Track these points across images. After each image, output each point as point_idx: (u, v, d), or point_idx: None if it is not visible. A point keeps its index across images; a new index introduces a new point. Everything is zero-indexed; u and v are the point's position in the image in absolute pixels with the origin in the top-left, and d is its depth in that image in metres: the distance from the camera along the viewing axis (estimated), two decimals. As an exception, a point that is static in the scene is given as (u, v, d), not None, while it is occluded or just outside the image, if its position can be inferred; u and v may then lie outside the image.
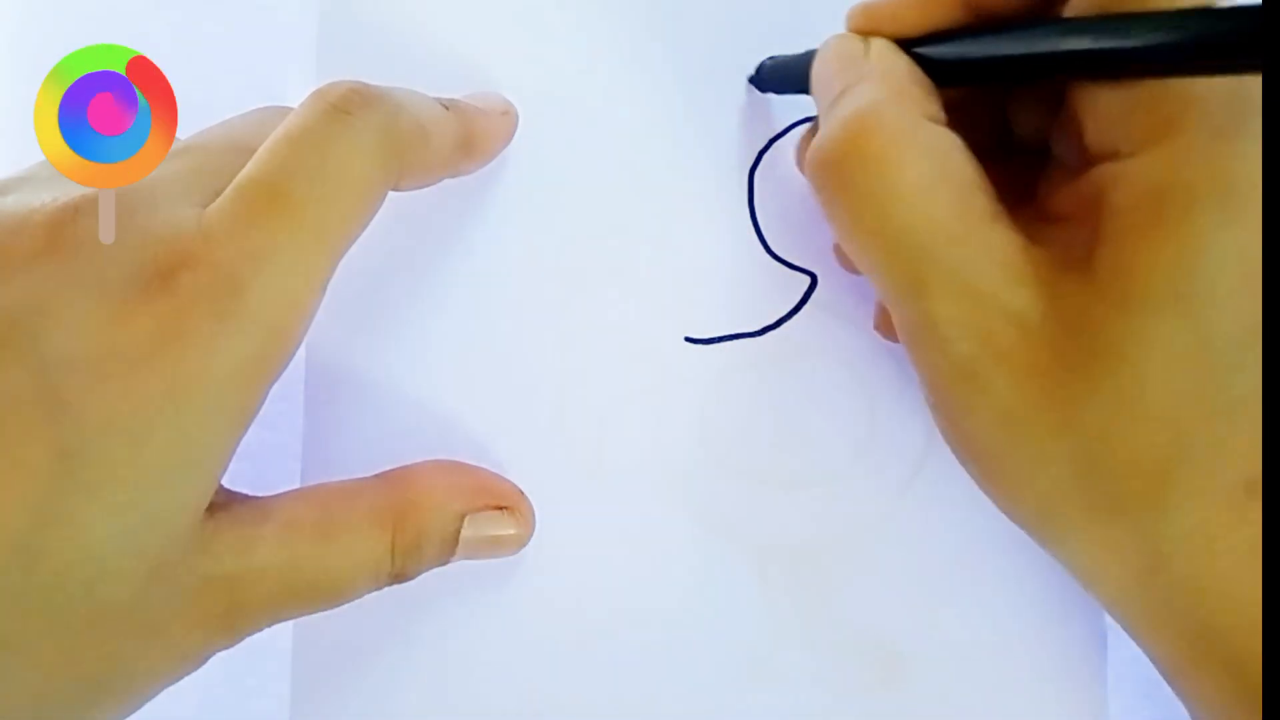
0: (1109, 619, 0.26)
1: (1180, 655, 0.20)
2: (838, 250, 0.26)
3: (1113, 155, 0.19)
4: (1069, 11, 0.20)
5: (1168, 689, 0.25)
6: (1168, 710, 0.26)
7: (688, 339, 0.27)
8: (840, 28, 0.27)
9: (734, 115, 0.28)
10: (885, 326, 0.26)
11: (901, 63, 0.21)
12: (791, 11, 0.28)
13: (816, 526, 0.27)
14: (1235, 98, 0.17)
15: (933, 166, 0.20)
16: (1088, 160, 0.20)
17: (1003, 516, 0.26)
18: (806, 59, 0.24)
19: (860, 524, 0.27)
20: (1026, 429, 0.19)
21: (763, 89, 0.27)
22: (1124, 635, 0.26)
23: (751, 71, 0.27)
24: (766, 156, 0.27)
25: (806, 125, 0.26)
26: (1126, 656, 0.26)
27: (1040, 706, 0.26)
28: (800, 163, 0.26)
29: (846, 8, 0.27)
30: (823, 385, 0.27)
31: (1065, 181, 0.21)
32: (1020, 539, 0.26)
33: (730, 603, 0.27)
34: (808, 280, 0.27)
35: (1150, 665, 0.26)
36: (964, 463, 0.21)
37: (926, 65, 0.21)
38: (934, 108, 0.21)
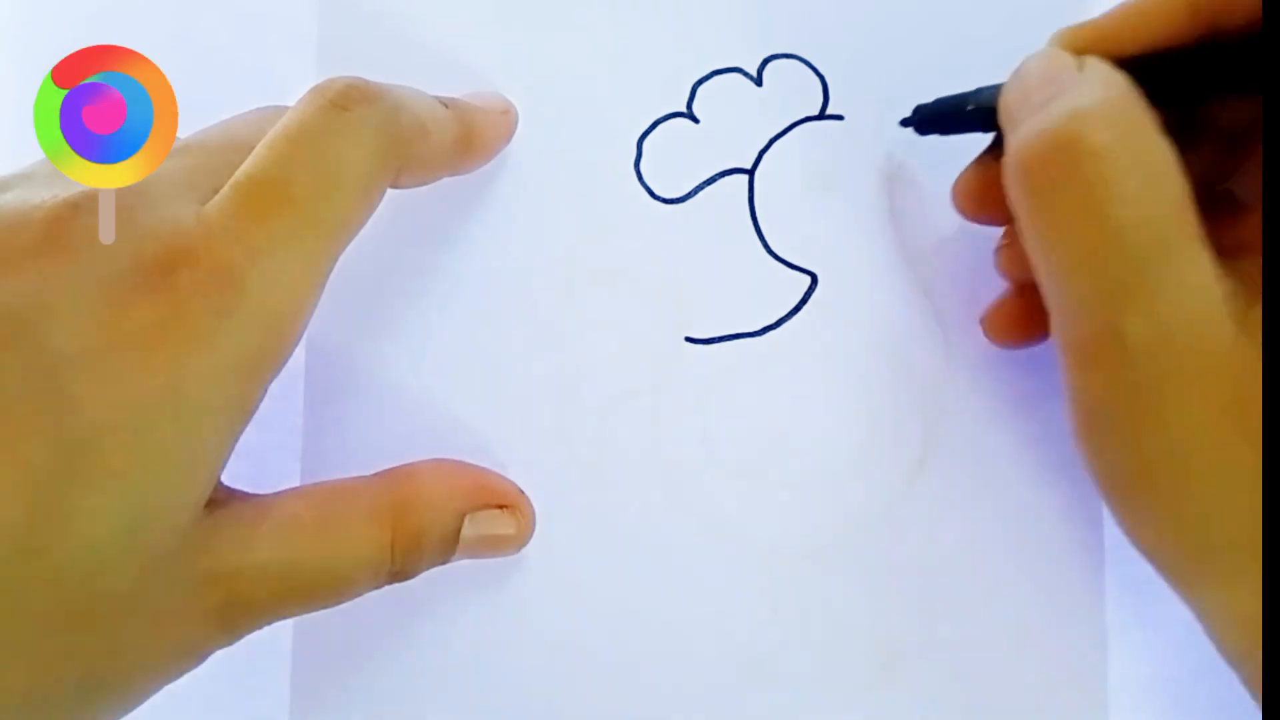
0: (1109, 618, 0.26)
1: None
2: (1002, 254, 0.25)
3: None
4: None
5: (1168, 690, 0.25)
6: (1168, 710, 0.26)
7: (688, 339, 0.27)
8: (846, 26, 0.28)
9: (734, 114, 0.28)
10: (996, 325, 0.25)
11: (1119, 74, 0.20)
12: (793, 10, 0.28)
13: (816, 526, 0.27)
14: None
15: (1155, 172, 0.19)
16: None
17: (1002, 517, 0.27)
18: (985, 93, 0.23)
19: (860, 524, 0.27)
20: (1196, 465, 0.19)
21: (923, 131, 0.26)
22: (1124, 635, 0.26)
23: (906, 114, 0.26)
24: (767, 156, 0.27)
25: (975, 160, 0.25)
26: (1126, 657, 0.26)
27: (1040, 706, 0.26)
28: (955, 196, 0.25)
29: (852, 7, 0.27)
30: (823, 385, 0.27)
31: (1249, 216, 0.21)
32: (1020, 540, 0.26)
33: (730, 603, 0.27)
34: (808, 280, 0.27)
35: (1150, 665, 0.26)
36: (1108, 490, 0.20)
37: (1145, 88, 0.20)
38: (1153, 119, 0.20)
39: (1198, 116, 0.23)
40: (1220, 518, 0.19)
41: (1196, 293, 0.19)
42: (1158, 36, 0.21)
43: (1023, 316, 0.25)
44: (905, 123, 0.26)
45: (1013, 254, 0.25)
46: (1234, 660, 0.20)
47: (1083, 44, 0.22)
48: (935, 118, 0.26)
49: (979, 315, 0.26)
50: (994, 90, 0.23)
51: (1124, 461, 0.20)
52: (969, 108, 0.24)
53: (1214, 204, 0.22)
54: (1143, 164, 0.19)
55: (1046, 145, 0.20)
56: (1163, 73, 0.21)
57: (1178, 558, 0.20)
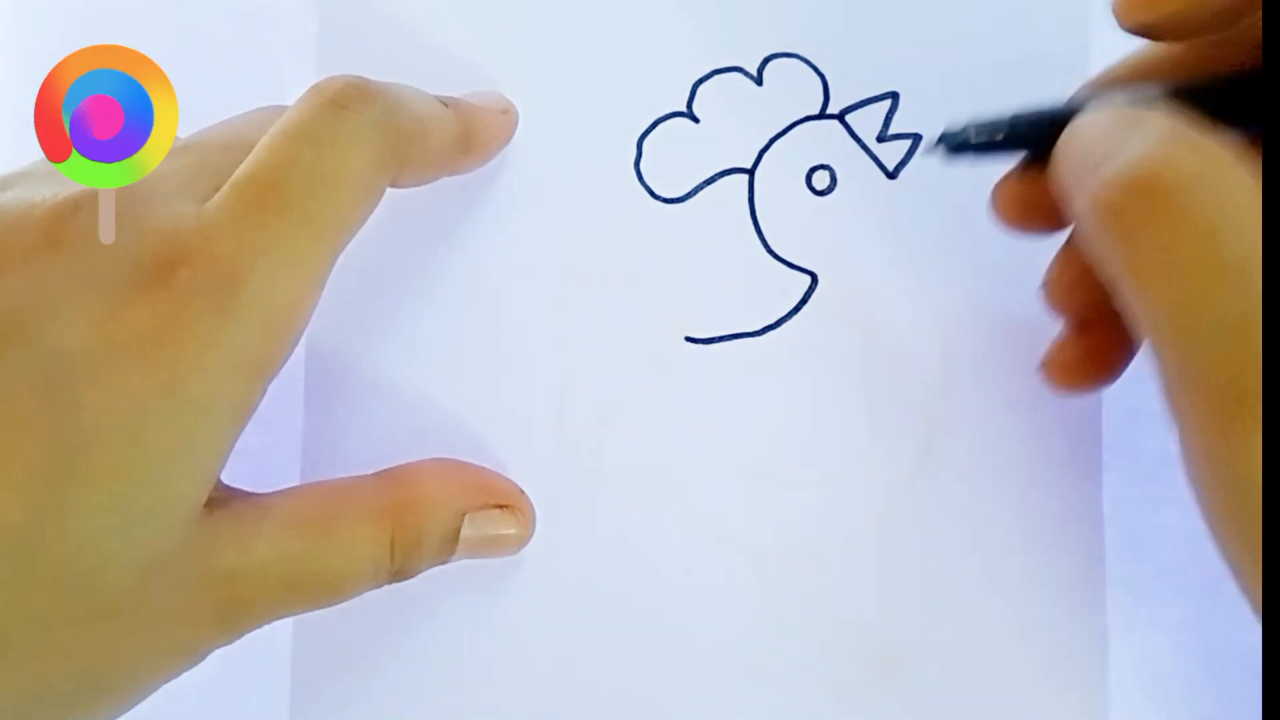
0: (1109, 618, 0.26)
1: None
2: (1052, 288, 0.24)
3: None
4: None
5: (1168, 690, 0.25)
6: (1168, 710, 0.26)
7: (688, 339, 0.27)
8: (846, 26, 0.28)
9: (734, 114, 0.28)
10: (1060, 371, 0.23)
11: (1184, 117, 0.18)
12: (793, 10, 0.28)
13: (816, 526, 0.27)
14: None
15: (1255, 199, 0.17)
16: None
17: (1002, 517, 0.27)
18: (1022, 119, 0.22)
19: (860, 524, 0.27)
20: None
21: (958, 150, 0.23)
22: (1124, 635, 0.26)
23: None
24: (767, 156, 0.27)
25: (1014, 169, 0.23)
26: (1127, 656, 0.26)
27: (1040, 706, 0.26)
28: (995, 205, 0.23)
29: (852, 7, 0.27)
30: (823, 385, 0.27)
31: None
32: (1020, 540, 0.26)
33: (730, 603, 0.27)
34: (808, 280, 0.27)
35: (1150, 665, 0.26)
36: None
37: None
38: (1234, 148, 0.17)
39: None
40: None
41: None
42: (1202, 62, 0.20)
43: (1089, 358, 0.23)
44: (942, 142, 0.24)
45: (1065, 284, 0.23)
46: None
47: (1124, 74, 0.21)
48: (984, 136, 0.23)
49: (1038, 361, 0.24)
50: (1030, 115, 0.22)
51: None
52: (1004, 133, 0.22)
53: None
54: (1239, 191, 0.17)
55: (1132, 184, 0.17)
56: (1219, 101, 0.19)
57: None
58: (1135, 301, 0.18)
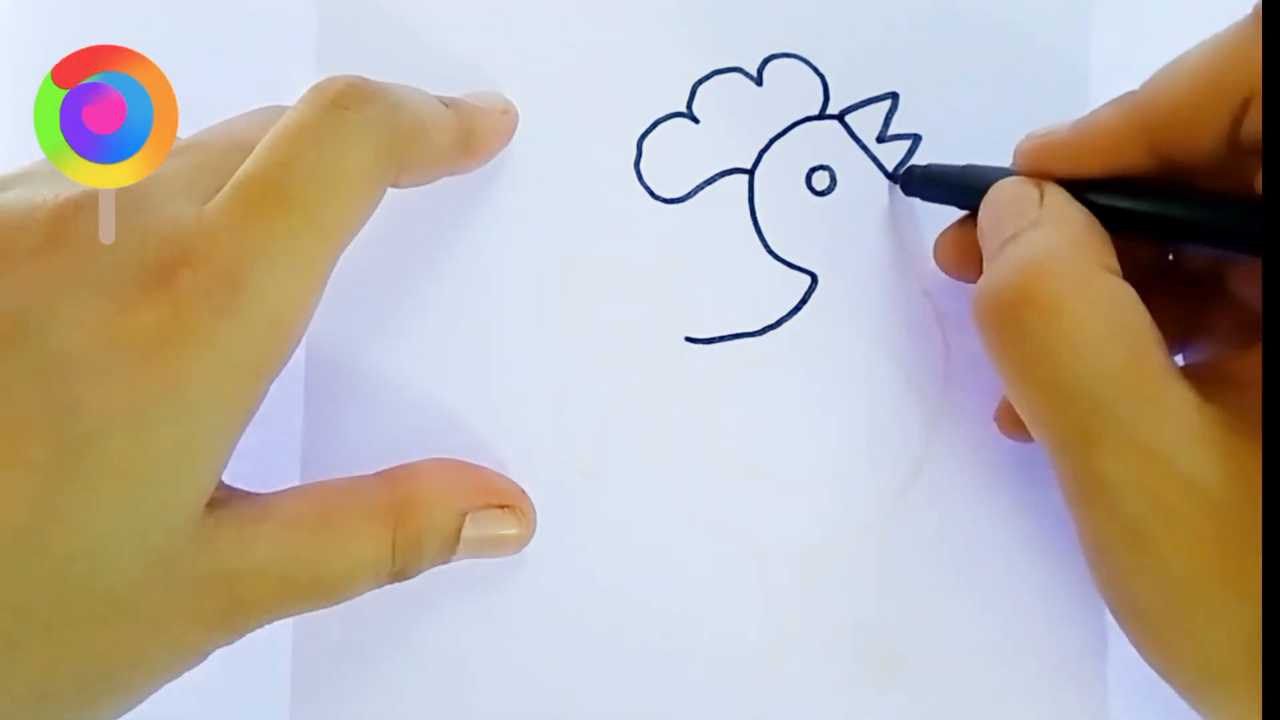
0: (1109, 618, 0.26)
1: None
2: (1000, 418, 0.26)
3: None
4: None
5: (1168, 690, 0.25)
6: (1168, 710, 0.26)
7: (688, 339, 0.27)
8: (846, 26, 0.28)
9: (734, 114, 0.28)
10: (1008, 421, 0.26)
11: (1077, 211, 0.21)
12: (793, 10, 0.28)
13: (816, 526, 0.27)
14: None
15: (1108, 319, 0.19)
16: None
17: (1003, 517, 0.27)
18: (966, 173, 0.24)
19: (860, 524, 0.27)
20: (1195, 597, 0.19)
21: (908, 192, 0.27)
22: (1124, 635, 0.26)
23: (890, 170, 0.27)
24: (766, 156, 0.27)
25: (955, 221, 0.25)
26: (1127, 657, 0.26)
27: (1040, 706, 0.26)
28: (937, 255, 0.26)
29: (852, 7, 0.27)
30: (823, 385, 0.27)
31: (1243, 343, 0.21)
32: (1020, 540, 0.26)
33: (730, 603, 0.27)
34: (808, 280, 0.27)
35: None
36: (1122, 623, 0.21)
37: (1100, 213, 0.21)
38: (1110, 259, 0.20)
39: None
40: (1222, 648, 0.19)
41: (1171, 427, 0.19)
42: (1117, 163, 0.21)
43: None
44: (893, 179, 0.27)
45: None
46: None
47: (1047, 164, 0.22)
48: (927, 184, 0.26)
49: (993, 412, 0.26)
50: (980, 172, 0.23)
51: (1131, 592, 0.20)
52: (954, 183, 0.25)
53: (1203, 298, 0.23)
54: (1096, 310, 0.19)
55: (1000, 299, 0.20)
56: (1126, 199, 0.21)
57: (1187, 682, 0.20)
58: (1013, 402, 0.21)
